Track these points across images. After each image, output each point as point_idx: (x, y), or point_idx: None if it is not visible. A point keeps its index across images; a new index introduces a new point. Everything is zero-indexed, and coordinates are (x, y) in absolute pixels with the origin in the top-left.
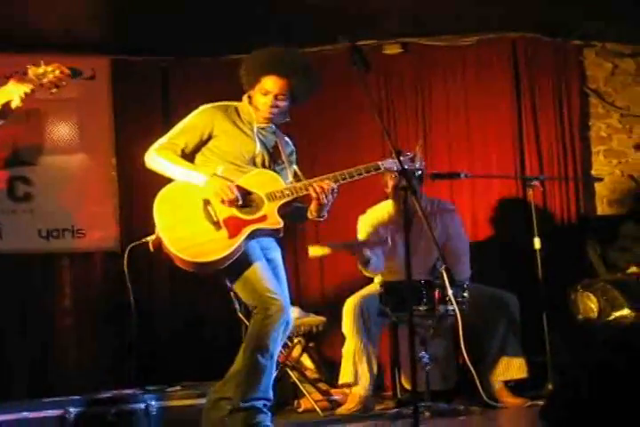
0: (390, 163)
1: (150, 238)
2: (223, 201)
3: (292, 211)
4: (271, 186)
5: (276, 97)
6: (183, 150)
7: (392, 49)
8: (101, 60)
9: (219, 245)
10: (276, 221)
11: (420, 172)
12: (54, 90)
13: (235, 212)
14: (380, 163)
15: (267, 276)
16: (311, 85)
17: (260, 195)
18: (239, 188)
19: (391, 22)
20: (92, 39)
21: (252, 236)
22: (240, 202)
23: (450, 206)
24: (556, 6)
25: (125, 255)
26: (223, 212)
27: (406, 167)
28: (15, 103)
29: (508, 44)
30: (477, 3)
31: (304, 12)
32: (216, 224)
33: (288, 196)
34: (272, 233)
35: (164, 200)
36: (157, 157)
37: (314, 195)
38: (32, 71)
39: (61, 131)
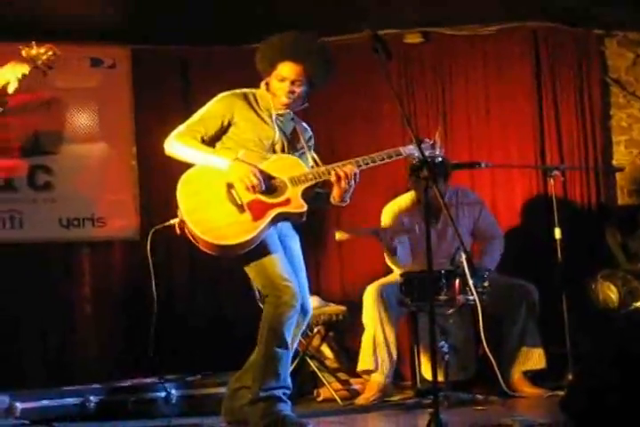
0: (411, 149)
1: (174, 221)
2: (247, 187)
3: (315, 196)
4: (294, 170)
5: (292, 83)
6: (203, 138)
7: (413, 38)
8: (122, 49)
9: (243, 228)
10: (300, 205)
11: (440, 159)
12: (48, 71)
13: (258, 195)
14: (401, 149)
15: (282, 263)
16: (328, 70)
17: (284, 179)
18: (262, 172)
19: (412, 11)
20: (112, 28)
21: (276, 219)
22: (263, 187)
23: (475, 198)
24: None
25: (149, 238)
26: (247, 195)
27: (427, 155)
28: (13, 86)
29: (529, 33)
30: None
31: (323, 1)
32: (240, 207)
33: (311, 180)
34: (295, 217)
35: (188, 183)
36: (177, 144)
37: (336, 179)
38: (26, 52)
39: (82, 120)
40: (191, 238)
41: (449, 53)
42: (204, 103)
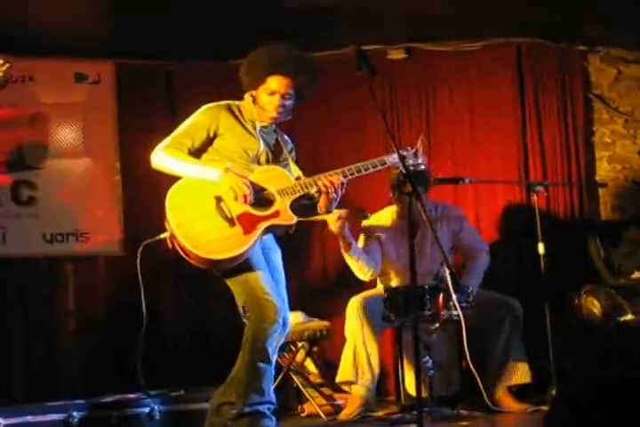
0: (396, 158)
1: (165, 235)
2: (237, 197)
3: (301, 207)
4: (281, 182)
5: (282, 96)
6: (190, 150)
7: (396, 54)
8: (106, 64)
9: (235, 242)
10: (290, 217)
11: (422, 167)
12: (5, 84)
13: (248, 208)
14: (385, 158)
15: (265, 278)
16: (316, 82)
17: (272, 191)
18: (252, 184)
19: (395, 28)
20: (97, 44)
21: (265, 232)
22: (252, 199)
23: (457, 212)
24: (560, 12)
25: (139, 253)
26: (236, 208)
27: (410, 165)
28: None
29: (513, 49)
30: (481, 9)
31: (308, 17)
32: (230, 221)
33: (299, 191)
34: (285, 229)
35: (176, 197)
36: (165, 156)
37: (323, 189)
38: None
39: (66, 135)
40: (181, 252)
41: (432, 69)
42: None
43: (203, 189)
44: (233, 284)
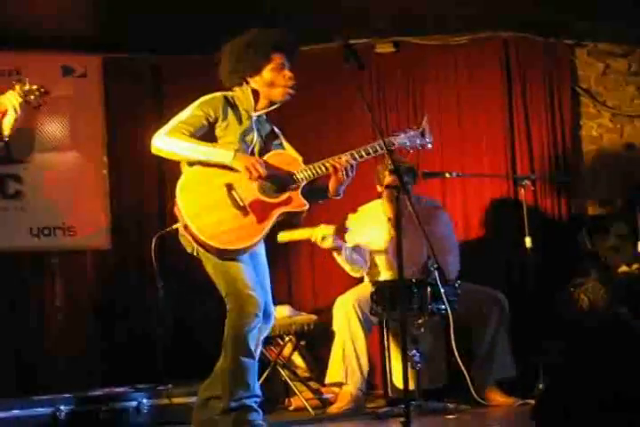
0: (403, 138)
1: (177, 226)
2: (251, 175)
3: (310, 191)
4: (291, 167)
5: (289, 69)
6: (193, 136)
7: (384, 48)
8: (93, 58)
9: (249, 231)
10: (302, 203)
11: (430, 146)
12: (38, 107)
13: (259, 195)
14: (392, 139)
15: (247, 271)
16: (295, 58)
17: (282, 177)
18: (267, 163)
19: (383, 21)
20: (84, 37)
21: (278, 219)
22: (266, 176)
23: (434, 204)
24: (547, 6)
25: (153, 244)
26: (248, 196)
27: (419, 144)
28: (10, 115)
29: (500, 43)
30: (469, 2)
31: (296, 10)
32: (243, 209)
33: (310, 177)
34: (296, 216)
35: (186, 188)
36: (171, 139)
37: (333, 171)
38: (19, 87)
39: (53, 129)
40: (194, 243)
41: (420, 63)
42: (176, 113)
43: (211, 179)
44: (216, 275)
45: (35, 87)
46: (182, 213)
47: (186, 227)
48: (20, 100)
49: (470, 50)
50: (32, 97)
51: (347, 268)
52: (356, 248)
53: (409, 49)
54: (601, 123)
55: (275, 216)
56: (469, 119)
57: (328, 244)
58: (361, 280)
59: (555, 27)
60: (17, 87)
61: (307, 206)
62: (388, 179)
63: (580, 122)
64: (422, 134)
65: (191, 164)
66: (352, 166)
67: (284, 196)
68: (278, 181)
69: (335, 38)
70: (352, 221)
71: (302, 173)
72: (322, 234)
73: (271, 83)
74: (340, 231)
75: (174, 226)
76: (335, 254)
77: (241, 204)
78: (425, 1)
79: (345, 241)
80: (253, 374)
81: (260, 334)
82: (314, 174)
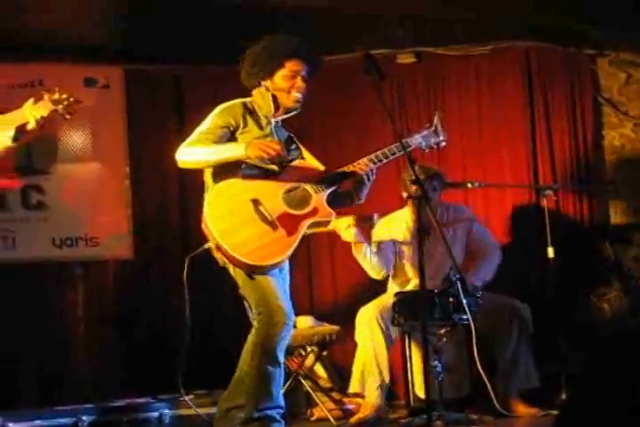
0: (418, 138)
1: (208, 246)
2: (270, 156)
3: (334, 198)
4: (312, 175)
5: (302, 78)
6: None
7: (405, 58)
8: (115, 69)
9: (280, 246)
10: (328, 213)
11: (443, 143)
12: (68, 116)
13: (286, 208)
14: (408, 140)
15: (276, 281)
16: (318, 70)
17: (306, 187)
18: (280, 143)
19: (405, 31)
20: (106, 48)
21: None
22: (285, 155)
23: (467, 214)
24: (568, 16)
25: (185, 266)
26: (275, 210)
27: (433, 143)
28: (31, 126)
29: (521, 53)
30: (490, 12)
31: (316, 21)
32: (272, 224)
33: (332, 185)
34: (323, 225)
35: (214, 206)
36: (191, 149)
37: (358, 175)
38: (48, 97)
39: (75, 139)
40: (226, 260)
41: (441, 73)
42: (198, 123)
43: (238, 194)
44: (245, 286)
45: (64, 96)
46: (212, 231)
47: (218, 246)
48: (44, 113)
49: (491, 60)
50: (61, 106)
51: (366, 266)
52: (382, 249)
53: (430, 59)
54: (623, 133)
55: (303, 228)
56: (491, 129)
57: (350, 234)
58: (383, 290)
59: (576, 37)
60: (46, 97)
61: (334, 215)
62: (413, 188)
63: (602, 132)
64: (435, 132)
65: (216, 179)
66: (372, 171)
67: (310, 207)
68: (299, 196)
69: (356, 49)
70: (377, 228)
71: (322, 184)
72: (346, 223)
73: (282, 89)
74: (367, 222)
75: (205, 246)
76: (355, 252)
77: (269, 218)
78: (445, 12)
79: (369, 237)
80: (278, 383)
81: (285, 345)
82: (335, 183)
